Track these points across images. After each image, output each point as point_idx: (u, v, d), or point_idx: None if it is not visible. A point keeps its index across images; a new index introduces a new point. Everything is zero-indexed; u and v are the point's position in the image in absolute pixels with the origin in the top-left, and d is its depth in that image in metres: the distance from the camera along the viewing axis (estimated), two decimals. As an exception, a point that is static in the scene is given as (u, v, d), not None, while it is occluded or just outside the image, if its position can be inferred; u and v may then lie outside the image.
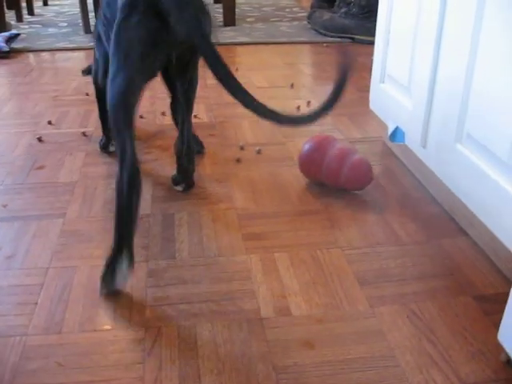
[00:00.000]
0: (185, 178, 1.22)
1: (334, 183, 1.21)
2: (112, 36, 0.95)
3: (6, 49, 2.38)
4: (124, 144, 0.91)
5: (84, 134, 1.53)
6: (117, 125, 0.93)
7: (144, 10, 0.93)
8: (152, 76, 1.04)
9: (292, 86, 2.02)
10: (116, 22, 0.95)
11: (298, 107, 1.75)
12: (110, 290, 0.90)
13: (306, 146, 1.23)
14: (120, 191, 0.89)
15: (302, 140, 1.50)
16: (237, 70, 2.25)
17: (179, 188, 1.22)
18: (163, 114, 1.67)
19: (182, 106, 1.18)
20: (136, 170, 0.90)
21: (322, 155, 1.20)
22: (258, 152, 1.42)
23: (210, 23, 1.04)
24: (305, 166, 1.24)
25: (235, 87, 0.86)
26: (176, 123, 1.29)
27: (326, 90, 1.94)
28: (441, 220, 1.12)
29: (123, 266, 0.89)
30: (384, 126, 1.46)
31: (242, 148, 1.44)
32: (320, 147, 1.21)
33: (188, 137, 1.19)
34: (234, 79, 0.86)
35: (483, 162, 0.91)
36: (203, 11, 1.01)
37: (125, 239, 0.90)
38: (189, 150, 1.19)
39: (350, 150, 1.21)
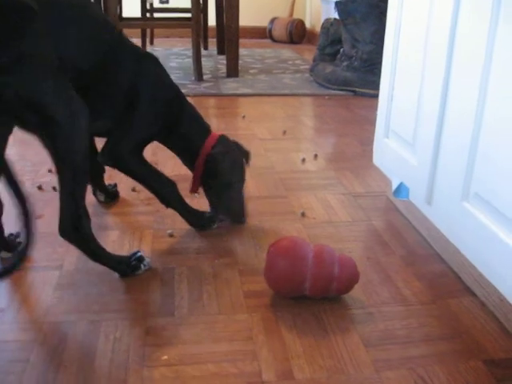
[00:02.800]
0: None
1: (321, 296, 1.00)
2: None
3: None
4: None
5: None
6: None
7: None
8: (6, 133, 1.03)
9: (284, 133, 2.04)
10: None
11: (304, 160, 1.74)
12: None
13: (280, 263, 0.97)
14: None
15: (304, 194, 1.48)
16: (244, 117, 2.26)
17: None
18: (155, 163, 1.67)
19: None
20: None
21: (301, 273, 0.97)
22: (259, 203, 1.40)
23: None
24: (281, 285, 0.99)
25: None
26: None
27: (328, 143, 1.94)
28: (447, 279, 1.09)
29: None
30: (387, 181, 1.45)
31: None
32: (295, 264, 0.97)
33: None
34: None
35: (491, 222, 0.89)
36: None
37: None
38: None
39: (328, 257, 0.99)
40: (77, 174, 0.97)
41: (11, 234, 1.17)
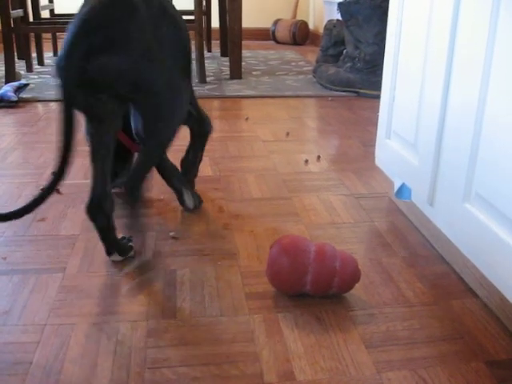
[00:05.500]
0: None
1: (323, 293, 1.01)
2: None
3: (15, 98, 2.40)
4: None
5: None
6: None
7: None
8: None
9: (287, 134, 2.04)
10: None
11: (307, 161, 1.75)
12: None
13: (282, 256, 0.98)
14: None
15: (307, 195, 1.48)
16: (247, 119, 2.26)
17: None
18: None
19: None
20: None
21: (302, 267, 0.98)
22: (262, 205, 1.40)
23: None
24: (282, 278, 0.99)
25: None
26: None
27: (331, 144, 1.94)
28: (449, 280, 1.09)
29: (116, 257, 1.13)
30: (390, 182, 1.45)
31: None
32: (297, 258, 0.98)
33: None
34: None
35: (493, 223, 0.89)
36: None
37: (110, 247, 1.13)
38: None
39: (329, 252, 1.00)
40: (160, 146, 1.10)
41: (123, 237, 1.18)
